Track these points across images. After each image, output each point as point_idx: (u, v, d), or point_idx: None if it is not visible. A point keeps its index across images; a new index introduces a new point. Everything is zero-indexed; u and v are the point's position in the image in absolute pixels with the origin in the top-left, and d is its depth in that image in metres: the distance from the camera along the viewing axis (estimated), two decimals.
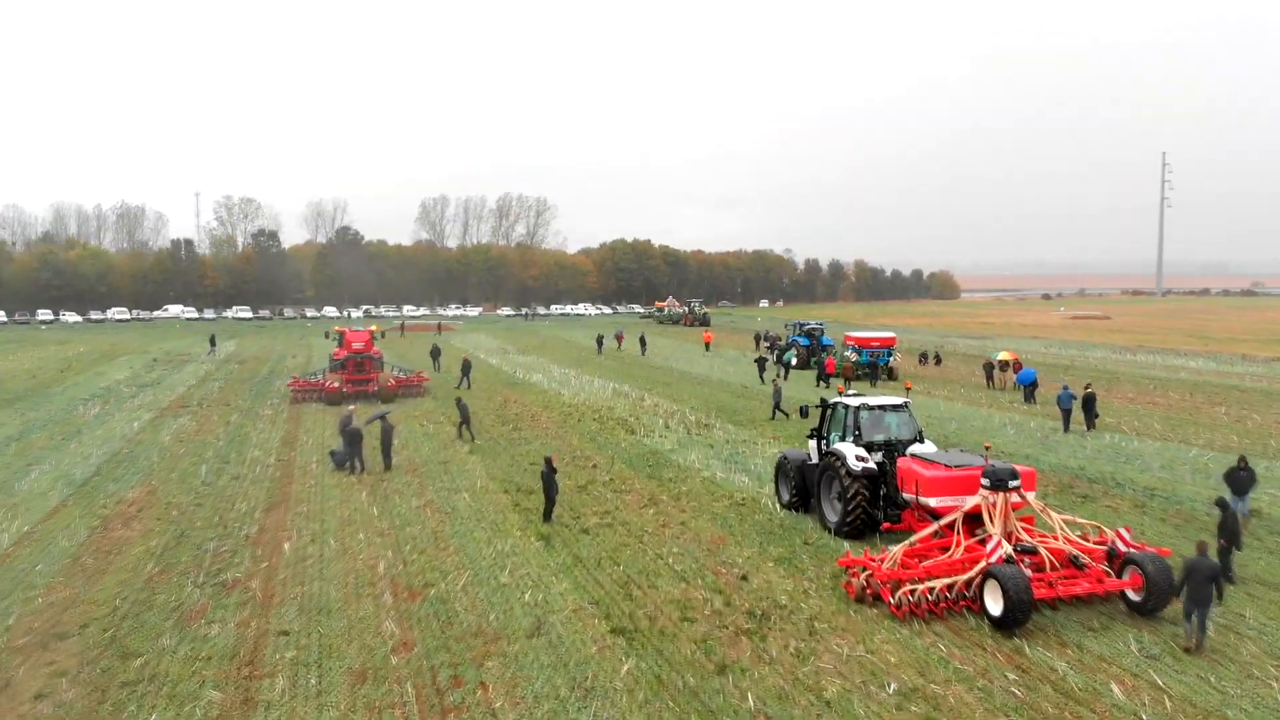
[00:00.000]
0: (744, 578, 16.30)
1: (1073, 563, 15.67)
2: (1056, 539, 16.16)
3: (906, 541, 16.41)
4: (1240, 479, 18.94)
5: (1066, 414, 31.62)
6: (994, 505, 16.04)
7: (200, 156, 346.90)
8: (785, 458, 21.52)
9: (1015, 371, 42.91)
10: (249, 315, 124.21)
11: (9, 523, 20.46)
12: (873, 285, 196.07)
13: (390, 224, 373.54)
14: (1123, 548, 15.68)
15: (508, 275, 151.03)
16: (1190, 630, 13.62)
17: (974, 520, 16.61)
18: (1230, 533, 16.14)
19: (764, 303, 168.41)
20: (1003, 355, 46.20)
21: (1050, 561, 15.55)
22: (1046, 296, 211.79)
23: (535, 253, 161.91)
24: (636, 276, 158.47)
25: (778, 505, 21.28)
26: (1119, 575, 15.19)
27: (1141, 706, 11.62)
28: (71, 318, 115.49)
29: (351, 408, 29.57)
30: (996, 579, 14.24)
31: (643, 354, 62.47)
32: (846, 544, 18.09)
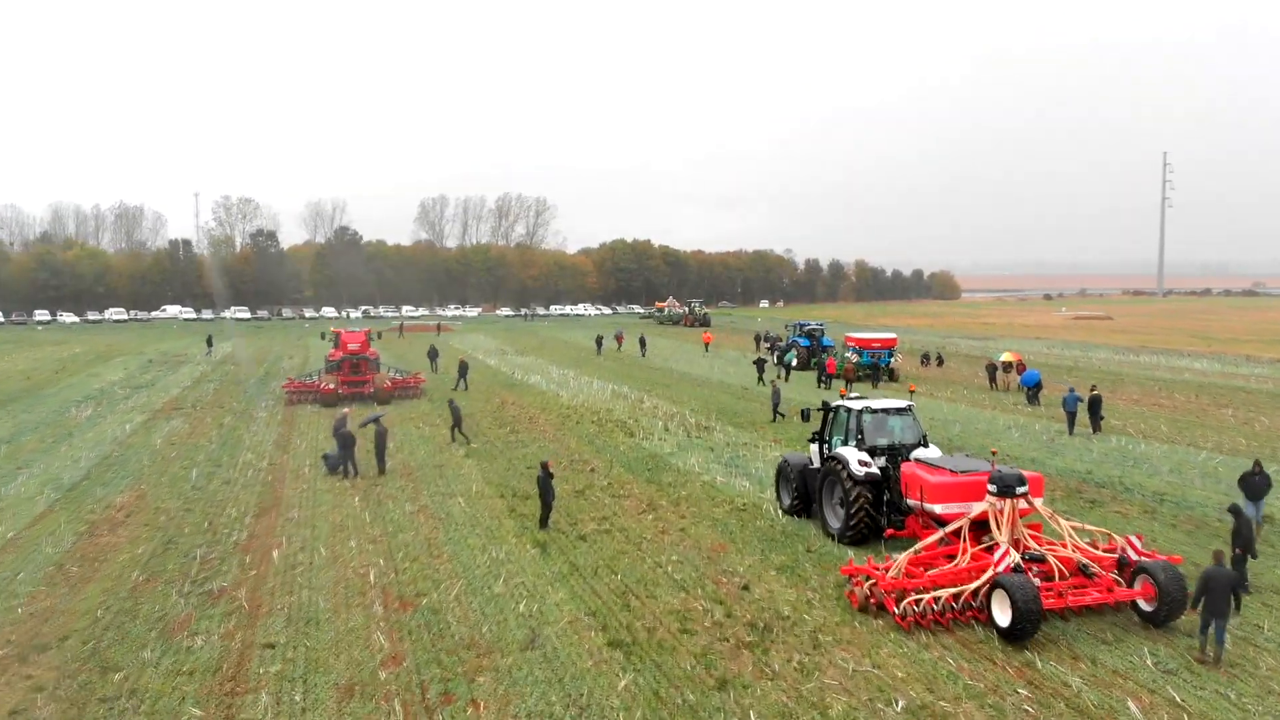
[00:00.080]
0: (745, 587, 15.84)
1: (1082, 571, 15.21)
2: (1065, 547, 15.71)
3: (911, 549, 15.96)
4: (1255, 484, 18.49)
5: (1072, 416, 31.17)
6: (1001, 512, 15.59)
7: (199, 157, 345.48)
8: (786, 462, 21.07)
9: (1019, 373, 42.44)
10: (247, 316, 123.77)
11: None
12: (873, 285, 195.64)
13: (390, 224, 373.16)
14: (1134, 556, 15.25)
15: (507, 275, 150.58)
16: (1205, 642, 13.19)
17: (980, 527, 16.15)
18: (1245, 540, 15.69)
19: (764, 303, 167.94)
20: (1006, 356, 45.71)
21: (1059, 570, 15.09)
22: (1048, 297, 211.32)
23: (535, 253, 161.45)
24: (636, 277, 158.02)
25: (779, 511, 20.82)
26: (1130, 584, 14.74)
27: None
28: (69, 318, 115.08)
29: (345, 410, 29.08)
30: (1004, 589, 13.79)
31: (642, 355, 62.01)
32: (850, 551, 17.63)
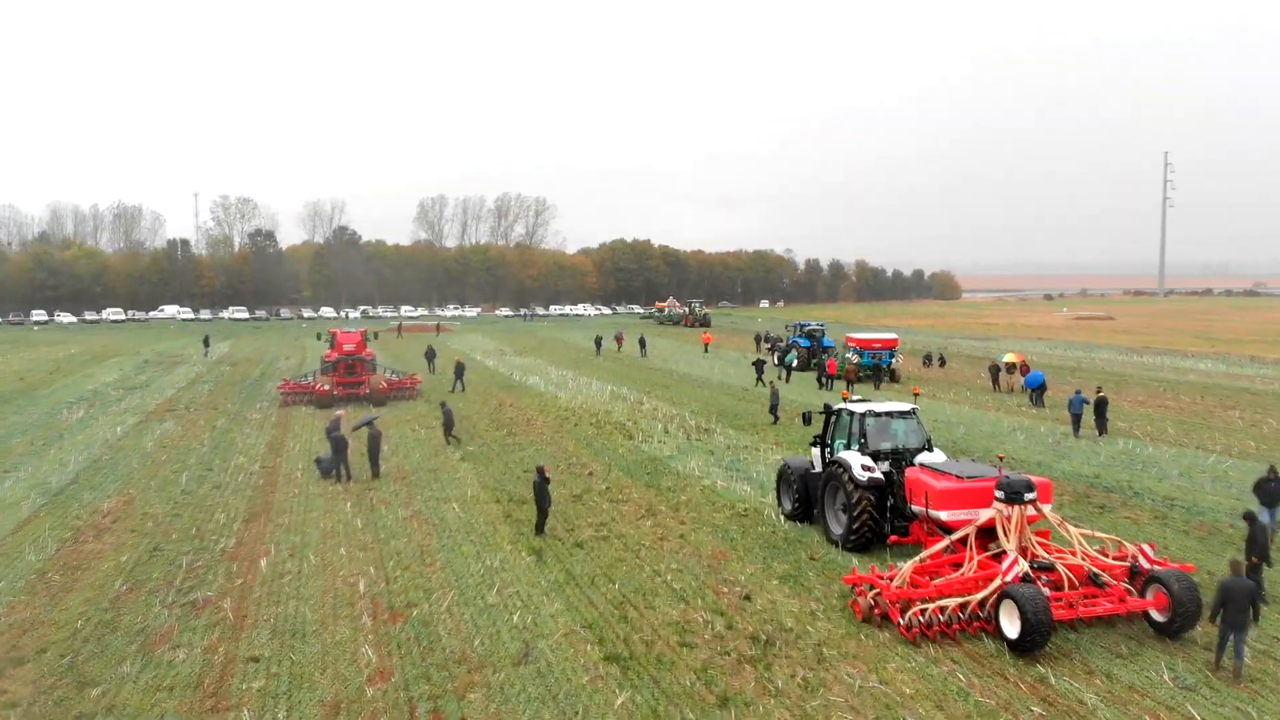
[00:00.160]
0: (747, 597, 15.34)
1: (1092, 581, 14.73)
2: (1075, 555, 15.22)
3: (916, 558, 15.48)
4: (1270, 490, 18.01)
5: (1077, 418, 30.67)
6: (1009, 519, 15.11)
7: (198, 156, 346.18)
8: (788, 466, 20.59)
9: (1022, 374, 41.94)
10: (245, 316, 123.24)
11: None
12: (873, 286, 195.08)
13: (389, 224, 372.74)
14: (1146, 565, 14.77)
15: (506, 275, 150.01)
16: (1223, 655, 12.71)
17: (987, 534, 15.68)
18: (1261, 548, 15.20)
19: (764, 303, 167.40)
20: (1009, 357, 45.19)
21: (1069, 579, 14.61)
22: (1048, 297, 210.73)
23: (534, 253, 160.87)
24: (636, 277, 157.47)
25: (780, 516, 20.33)
26: (1142, 594, 14.26)
27: None
28: (66, 318, 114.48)
29: (339, 413, 28.58)
30: (1013, 599, 13.32)
31: (642, 355, 61.51)
32: (854, 559, 17.14)
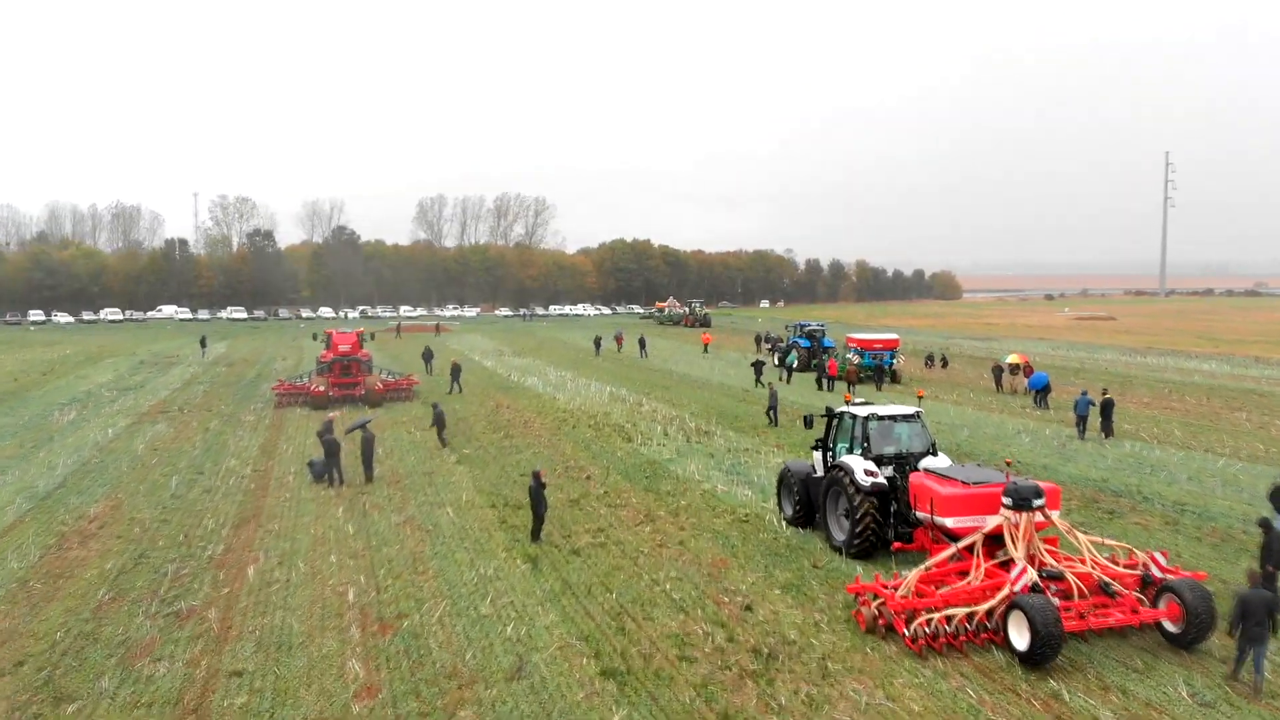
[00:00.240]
0: (748, 608, 14.86)
1: (1103, 590, 14.26)
2: (1084, 563, 14.75)
3: (921, 566, 15.01)
4: None
5: (1082, 420, 30.20)
6: (1017, 526, 14.65)
7: (197, 156, 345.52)
8: (788, 470, 20.13)
9: (1026, 375, 41.44)
10: (243, 316, 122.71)
11: None
12: (874, 286, 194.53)
13: (389, 224, 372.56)
14: (1158, 574, 14.32)
15: (506, 275, 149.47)
16: (1241, 669, 12.25)
17: (993, 542, 15.22)
18: (1277, 557, 14.72)
19: (764, 303, 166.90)
20: (1012, 358, 44.64)
21: (1078, 589, 14.13)
22: (1049, 297, 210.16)
23: (534, 253, 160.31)
24: (636, 277, 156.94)
25: (782, 522, 19.86)
26: (1154, 604, 13.80)
27: None
28: (63, 318, 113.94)
29: (331, 415, 28.10)
30: (1022, 609, 12.86)
31: (641, 356, 61.04)
32: (858, 567, 16.66)
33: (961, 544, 15.29)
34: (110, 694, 12.17)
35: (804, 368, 49.68)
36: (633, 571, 16.74)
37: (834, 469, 18.28)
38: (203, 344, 65.83)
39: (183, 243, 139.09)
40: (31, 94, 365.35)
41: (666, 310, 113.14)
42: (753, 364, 46.91)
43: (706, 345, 66.96)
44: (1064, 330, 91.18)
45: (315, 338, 50.96)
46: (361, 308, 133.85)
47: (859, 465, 17.54)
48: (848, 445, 18.69)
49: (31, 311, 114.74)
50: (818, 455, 19.58)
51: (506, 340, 79.59)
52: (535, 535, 18.64)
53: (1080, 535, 15.27)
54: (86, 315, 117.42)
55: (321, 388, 37.66)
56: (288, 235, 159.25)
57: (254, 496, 22.89)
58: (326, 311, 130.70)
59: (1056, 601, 13.41)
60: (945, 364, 54.25)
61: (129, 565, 17.52)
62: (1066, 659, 12.89)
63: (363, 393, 38.33)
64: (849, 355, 47.11)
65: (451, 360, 46.92)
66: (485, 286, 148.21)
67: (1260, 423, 33.82)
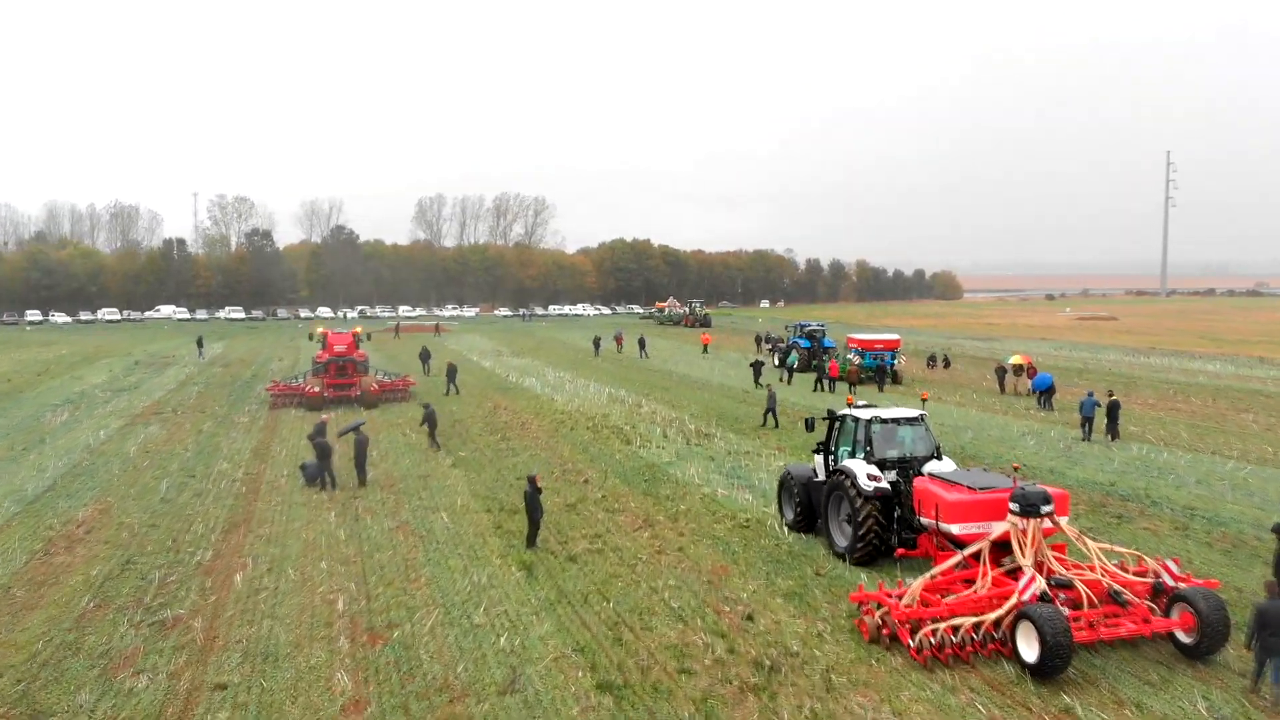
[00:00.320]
0: (749, 617, 14.42)
1: (1113, 599, 13.83)
2: (1094, 571, 14.32)
3: (927, 574, 14.57)
4: None
5: (1088, 422, 29.77)
6: (1025, 533, 14.22)
7: (197, 156, 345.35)
8: (789, 474, 19.70)
9: (1030, 377, 41.02)
10: (241, 316, 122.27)
11: None
12: (874, 286, 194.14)
13: (388, 224, 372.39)
14: (1170, 582, 13.88)
15: (505, 275, 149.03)
16: (1260, 683, 11.83)
17: (1000, 549, 14.79)
18: None
19: (765, 303, 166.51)
20: (1015, 359, 44.20)
21: (1088, 598, 13.70)
22: (1050, 297, 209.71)
23: (533, 252, 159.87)
24: (636, 277, 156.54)
25: (784, 528, 19.43)
26: (1167, 614, 13.37)
27: None
28: (61, 318, 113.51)
29: (324, 417, 27.63)
30: (1031, 620, 12.44)
31: (641, 356, 60.63)
32: (862, 575, 16.23)
33: (968, 551, 14.87)
34: (89, 709, 11.75)
35: (804, 368, 49.24)
36: (631, 579, 16.31)
37: (836, 473, 17.86)
38: (199, 344, 65.35)
39: (181, 242, 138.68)
40: (30, 93, 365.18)
41: (666, 310, 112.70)
42: (752, 364, 46.50)
43: (706, 345, 66.54)
44: (1066, 330, 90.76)
45: (311, 338, 50.50)
46: (360, 308, 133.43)
47: (861, 469, 17.12)
48: (850, 449, 18.28)
49: (29, 311, 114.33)
50: (819, 459, 19.16)
51: (505, 340, 79.16)
52: (530, 541, 18.22)
53: (1090, 542, 14.85)
54: (84, 315, 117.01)
55: (316, 388, 37.24)
56: (286, 235, 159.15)
57: (245, 500, 22.46)
58: (325, 311, 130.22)
59: (1066, 611, 13.01)
60: (948, 364, 53.83)
61: (115, 572, 17.09)
62: (1078, 672, 12.47)
63: (358, 394, 37.93)
64: (850, 356, 46.69)
65: (448, 361, 46.45)
66: (484, 286, 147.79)
67: (1268, 424, 33.39)
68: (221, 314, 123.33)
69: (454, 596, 15.48)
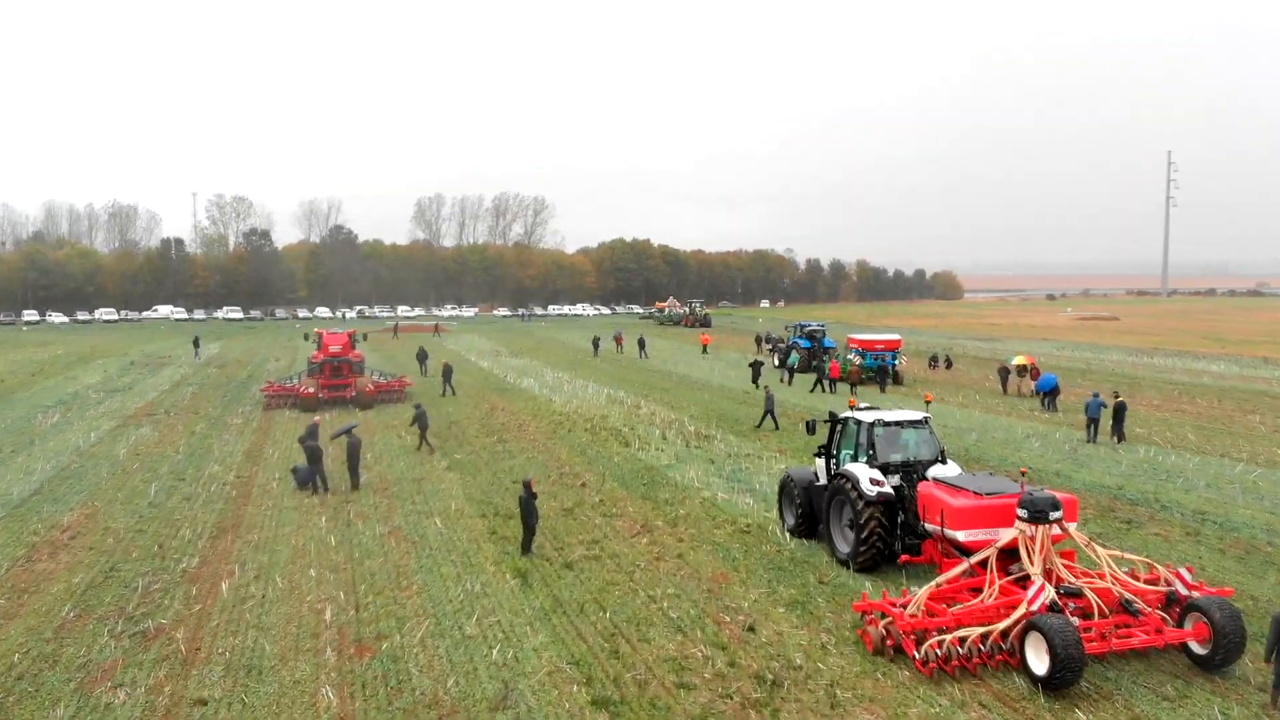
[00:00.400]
0: (751, 628, 13.95)
1: (1125, 608, 13.36)
2: (1104, 578, 13.86)
3: (932, 583, 14.11)
4: None
5: (1094, 423, 29.30)
6: (1033, 540, 13.76)
7: (195, 156, 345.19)
8: (790, 478, 19.23)
9: (1033, 378, 40.54)
10: (240, 316, 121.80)
11: None
12: (874, 285, 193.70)
13: (388, 224, 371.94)
14: (1184, 591, 13.42)
15: (505, 275, 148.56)
16: (1278, 697, 11.39)
17: (1007, 555, 14.33)
18: None
19: (765, 303, 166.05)
20: (1019, 360, 43.71)
21: (1098, 607, 13.24)
22: (1051, 297, 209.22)
23: (533, 252, 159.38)
24: (636, 276, 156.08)
25: (786, 533, 18.96)
26: (1180, 624, 12.92)
27: None
28: (58, 318, 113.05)
29: (316, 419, 27.13)
30: (1040, 630, 11.98)
31: (641, 357, 60.16)
32: (867, 583, 15.77)
33: (974, 559, 14.41)
34: None
35: (804, 369, 48.77)
36: (628, 587, 15.85)
37: (838, 477, 17.40)
38: (196, 345, 64.86)
39: (179, 242, 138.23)
40: (29, 93, 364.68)
41: (666, 310, 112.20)
42: (751, 364, 46.02)
43: (705, 346, 66.07)
44: (1068, 331, 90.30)
45: (307, 338, 50.03)
46: (359, 308, 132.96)
47: (864, 474, 16.67)
48: (852, 452, 17.82)
49: (25, 311, 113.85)
50: (821, 462, 18.70)
51: (504, 341, 78.68)
52: (525, 548, 17.75)
53: (1099, 549, 14.39)
54: (81, 315, 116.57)
55: (311, 389, 36.78)
56: (285, 235, 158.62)
57: (235, 504, 22.00)
58: (324, 311, 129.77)
59: (1076, 621, 12.56)
60: (950, 365, 53.36)
61: (98, 579, 16.63)
62: (1091, 685, 12.02)
63: (353, 394, 37.46)
64: (850, 356, 46.22)
65: (444, 362, 45.95)
66: (484, 286, 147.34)
67: (1275, 426, 32.92)
68: (219, 314, 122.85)
69: (446, 606, 15.02)
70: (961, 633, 12.66)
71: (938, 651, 12.43)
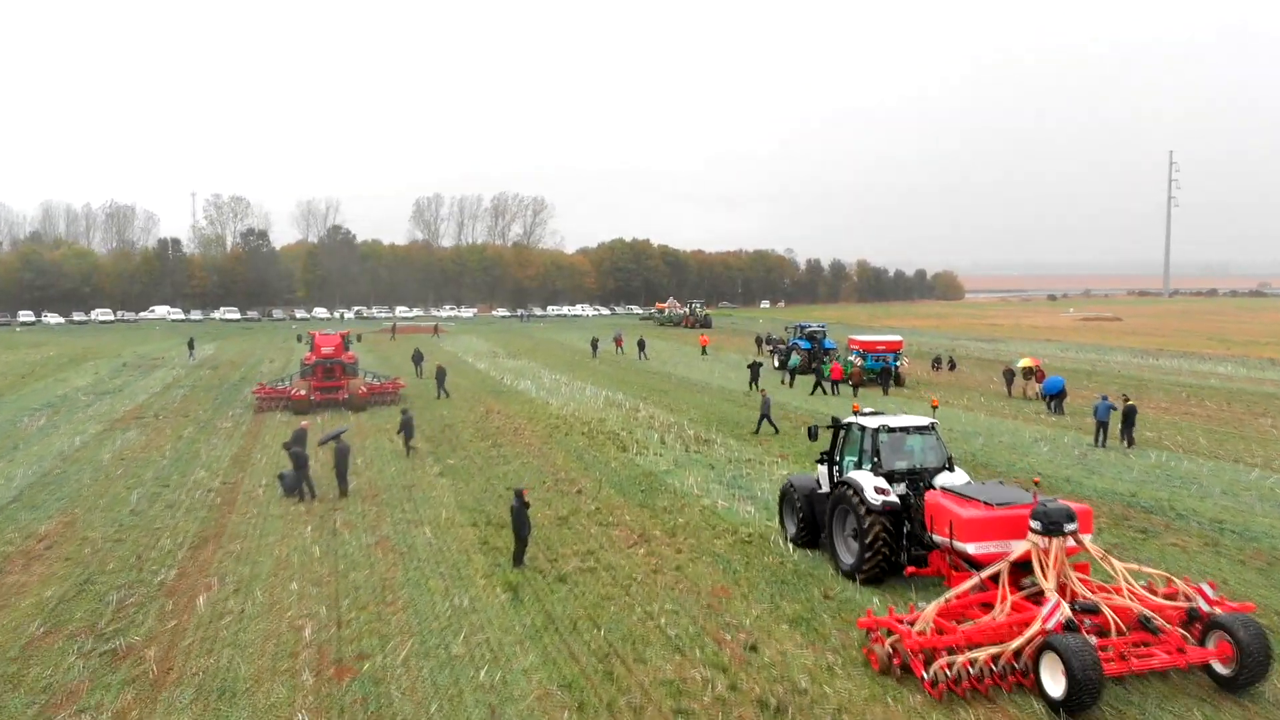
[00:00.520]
0: (753, 647, 13.23)
1: (1144, 625, 12.65)
2: (1121, 594, 13.15)
3: (941, 598, 13.40)
4: None
5: (1103, 427, 28.61)
6: (1047, 553, 13.06)
7: (193, 156, 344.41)
8: (791, 485, 18.53)
9: (1039, 380, 39.83)
10: (236, 316, 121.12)
11: None
12: (875, 286, 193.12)
13: (387, 224, 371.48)
14: (1206, 608, 12.71)
15: (504, 275, 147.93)
16: None
17: (1019, 568, 13.62)
18: None
19: (765, 304, 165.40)
20: (1024, 362, 42.94)
21: (1116, 624, 12.53)
22: (1052, 297, 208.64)
23: (532, 253, 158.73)
24: (635, 277, 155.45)
25: (788, 544, 18.25)
26: (1202, 642, 12.21)
27: None
28: (54, 319, 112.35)
29: (304, 424, 26.41)
30: (1056, 650, 11.30)
31: (640, 358, 59.45)
32: (874, 597, 15.07)
33: (985, 573, 13.71)
34: None
35: (804, 370, 48.06)
36: (624, 602, 15.13)
37: (841, 485, 16.68)
38: (190, 346, 64.15)
39: (176, 242, 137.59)
40: (27, 92, 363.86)
41: (666, 311, 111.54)
42: (749, 365, 45.26)
43: (705, 347, 65.36)
44: (1070, 331, 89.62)
45: (300, 339, 49.33)
46: (357, 308, 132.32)
47: (868, 482, 15.95)
48: (856, 459, 17.11)
49: (21, 312, 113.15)
50: (823, 469, 17.98)
51: (502, 342, 77.98)
52: (517, 560, 17.04)
53: (1116, 562, 13.67)
54: (77, 316, 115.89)
55: (303, 391, 36.07)
56: (283, 235, 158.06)
57: (219, 513, 21.28)
58: (321, 312, 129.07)
59: (1094, 640, 11.87)
60: (953, 366, 52.65)
61: (71, 593, 15.92)
62: (1113, 709, 11.33)
63: (345, 397, 36.76)
64: (851, 357, 45.51)
65: (437, 364, 45.17)
66: (482, 287, 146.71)
67: None
68: (216, 315, 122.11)
69: (432, 623, 14.30)
70: (972, 653, 11.97)
71: (947, 673, 11.75)
